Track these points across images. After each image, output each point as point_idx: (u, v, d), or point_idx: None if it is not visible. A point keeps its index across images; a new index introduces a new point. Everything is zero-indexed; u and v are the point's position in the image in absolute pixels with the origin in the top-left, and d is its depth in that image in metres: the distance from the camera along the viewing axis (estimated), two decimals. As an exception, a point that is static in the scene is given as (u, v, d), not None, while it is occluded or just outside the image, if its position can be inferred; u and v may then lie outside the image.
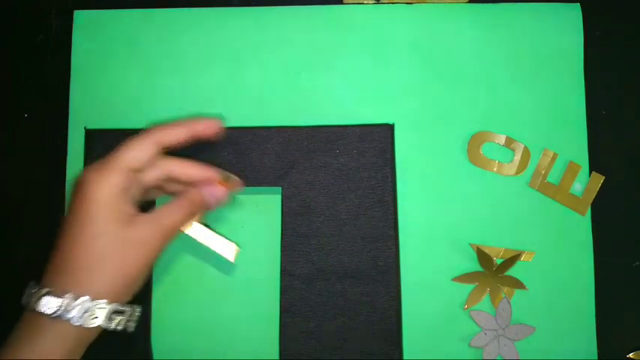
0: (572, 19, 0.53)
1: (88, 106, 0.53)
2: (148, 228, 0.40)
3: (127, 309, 0.40)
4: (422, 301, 0.50)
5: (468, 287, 0.51)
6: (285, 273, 0.50)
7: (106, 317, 0.39)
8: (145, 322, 0.50)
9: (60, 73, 0.54)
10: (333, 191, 0.51)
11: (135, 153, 0.42)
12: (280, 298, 0.49)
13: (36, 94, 0.54)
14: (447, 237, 0.51)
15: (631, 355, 0.50)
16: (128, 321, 0.40)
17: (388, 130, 0.52)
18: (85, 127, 0.52)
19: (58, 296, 0.38)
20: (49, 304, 0.38)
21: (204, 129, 0.45)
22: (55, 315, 0.38)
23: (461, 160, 0.52)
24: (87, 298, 0.38)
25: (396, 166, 0.52)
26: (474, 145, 0.52)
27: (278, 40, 0.54)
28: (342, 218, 0.50)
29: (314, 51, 0.53)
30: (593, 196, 0.52)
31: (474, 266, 0.51)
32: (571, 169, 0.52)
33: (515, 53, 0.53)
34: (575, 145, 0.52)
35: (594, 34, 0.54)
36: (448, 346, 0.50)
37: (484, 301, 0.50)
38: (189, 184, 0.44)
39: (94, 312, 0.38)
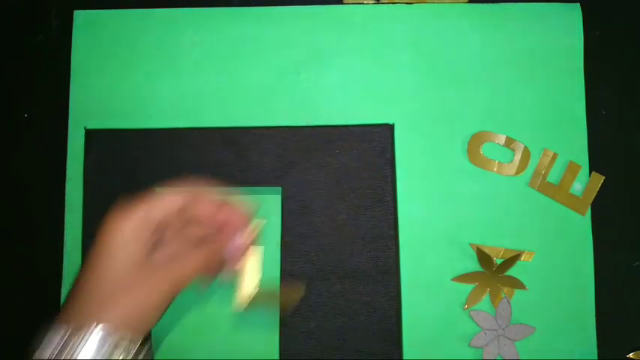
0: (572, 19, 0.54)
1: (88, 106, 0.53)
2: (168, 274, 0.39)
3: (137, 339, 0.38)
4: (422, 301, 0.50)
5: (468, 287, 0.51)
6: (285, 273, 0.50)
7: (116, 348, 0.37)
8: (145, 322, 0.50)
9: (60, 73, 0.54)
10: (333, 191, 0.51)
11: (160, 209, 0.40)
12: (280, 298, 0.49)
13: (36, 94, 0.54)
14: (447, 237, 0.51)
15: (631, 355, 0.50)
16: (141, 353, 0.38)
17: (388, 130, 0.52)
18: (85, 127, 0.52)
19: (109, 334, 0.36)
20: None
21: (234, 218, 0.43)
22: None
23: (461, 160, 0.52)
24: (100, 329, 0.36)
25: (396, 166, 0.52)
26: (474, 145, 0.52)
27: (278, 40, 0.54)
28: (342, 218, 0.50)
29: (314, 51, 0.53)
30: (593, 196, 0.52)
31: (474, 266, 0.51)
32: (571, 169, 0.52)
33: (515, 53, 0.53)
34: (575, 145, 0.52)
35: (594, 34, 0.54)
36: (448, 346, 0.50)
37: (484, 301, 0.50)
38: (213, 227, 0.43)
39: (108, 344, 0.36)
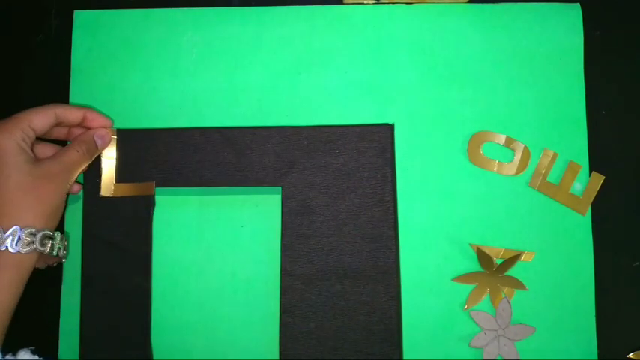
0: (572, 19, 0.54)
1: (88, 106, 0.53)
2: (52, 165, 0.46)
3: (56, 234, 0.46)
4: (422, 301, 0.50)
5: (468, 287, 0.51)
6: (285, 273, 0.50)
7: (40, 241, 0.44)
8: (145, 322, 0.50)
9: (60, 73, 0.54)
10: (333, 191, 0.51)
11: (36, 118, 0.46)
12: (280, 298, 0.49)
13: (36, 94, 0.54)
14: (447, 237, 0.51)
15: (631, 355, 0.50)
16: (59, 248, 0.47)
17: (388, 130, 0.52)
18: (85, 127, 0.52)
19: None
20: None
21: (97, 120, 0.50)
22: None
23: (461, 160, 0.52)
24: (17, 227, 0.43)
25: (396, 166, 0.52)
26: (474, 145, 0.52)
27: (278, 40, 0.54)
28: (342, 218, 0.50)
29: (314, 51, 0.53)
30: (593, 196, 0.52)
31: (474, 266, 0.51)
32: (571, 169, 0.52)
33: (516, 53, 0.53)
34: (575, 145, 0.52)
35: (594, 34, 0.54)
36: (448, 346, 0.50)
37: (484, 301, 0.50)
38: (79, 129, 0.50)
39: (27, 238, 0.44)
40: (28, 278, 0.45)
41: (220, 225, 0.51)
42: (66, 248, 0.48)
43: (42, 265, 0.49)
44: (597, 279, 0.51)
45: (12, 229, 0.43)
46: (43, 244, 0.45)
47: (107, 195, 0.51)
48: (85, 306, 0.50)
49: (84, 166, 0.49)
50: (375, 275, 0.50)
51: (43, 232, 0.45)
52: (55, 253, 0.46)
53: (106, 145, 0.50)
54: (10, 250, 0.43)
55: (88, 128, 0.50)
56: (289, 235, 0.50)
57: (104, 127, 0.50)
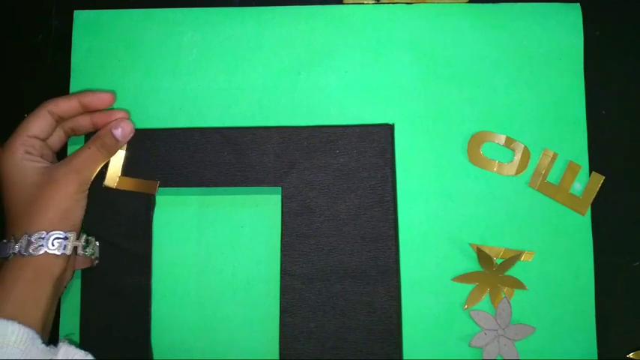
0: (572, 19, 0.53)
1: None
2: (59, 169, 0.47)
3: (70, 234, 0.46)
4: (422, 301, 0.50)
5: (468, 287, 0.51)
6: (285, 273, 0.50)
7: (51, 244, 0.45)
8: (145, 322, 0.50)
9: (60, 73, 0.54)
10: (333, 191, 0.51)
11: (32, 125, 0.47)
12: (280, 298, 0.49)
13: (36, 94, 0.54)
14: (447, 237, 0.51)
15: (631, 355, 0.50)
16: (82, 247, 0.47)
17: (388, 130, 0.52)
18: (85, 127, 0.52)
19: (6, 241, 0.46)
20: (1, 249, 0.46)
21: (93, 100, 0.49)
22: (4, 255, 0.45)
23: (461, 160, 0.52)
24: (25, 234, 0.45)
25: (396, 166, 0.52)
26: (474, 145, 0.52)
27: (278, 40, 0.54)
28: (342, 218, 0.50)
29: (314, 51, 0.53)
30: (593, 196, 0.52)
31: (474, 266, 0.51)
32: (571, 169, 0.52)
33: (516, 53, 0.53)
34: (575, 145, 0.52)
35: (594, 34, 0.54)
36: (448, 346, 0.50)
37: (484, 301, 0.50)
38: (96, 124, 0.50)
39: (37, 242, 0.44)
40: (62, 284, 0.47)
41: (220, 225, 0.51)
42: (92, 247, 0.49)
43: (80, 267, 0.50)
44: (597, 279, 0.51)
45: (22, 237, 0.45)
46: (52, 245, 0.45)
47: (110, 186, 0.50)
48: (85, 306, 0.50)
49: (100, 162, 0.49)
50: (375, 275, 0.50)
51: (54, 234, 0.45)
52: (82, 252, 0.47)
53: (128, 135, 0.50)
54: (23, 254, 0.44)
55: (94, 111, 0.50)
56: (289, 235, 0.50)
57: (122, 117, 0.50)
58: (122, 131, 0.49)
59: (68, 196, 0.46)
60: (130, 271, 0.50)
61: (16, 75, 0.55)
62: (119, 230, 0.50)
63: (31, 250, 0.44)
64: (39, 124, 0.47)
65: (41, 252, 0.44)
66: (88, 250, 0.48)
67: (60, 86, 0.53)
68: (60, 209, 0.46)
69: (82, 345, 0.49)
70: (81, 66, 0.54)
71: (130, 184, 0.50)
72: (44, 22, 0.55)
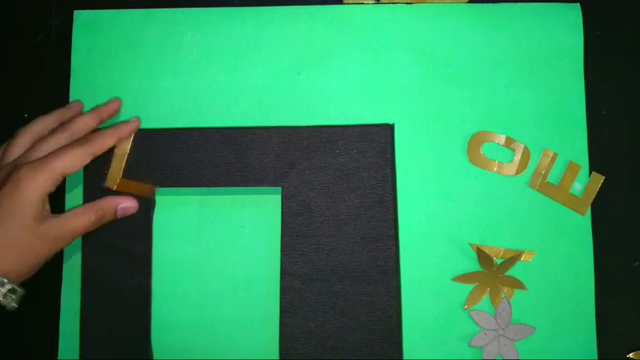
0: (572, 19, 0.53)
1: (88, 106, 0.53)
2: (56, 228, 0.45)
3: (19, 290, 0.43)
4: (422, 301, 0.50)
5: (468, 287, 0.51)
6: (285, 273, 0.50)
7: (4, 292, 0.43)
8: (145, 322, 0.50)
9: (60, 73, 0.54)
10: (333, 191, 0.51)
11: (71, 161, 0.45)
12: (280, 298, 0.49)
13: (36, 94, 0.54)
14: (447, 237, 0.51)
15: (631, 355, 0.50)
16: (11, 299, 0.44)
17: (388, 130, 0.52)
18: (85, 127, 0.52)
19: None
20: None
21: (105, 111, 0.50)
22: None
23: (461, 160, 0.52)
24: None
25: (396, 166, 0.52)
26: (474, 145, 0.52)
27: (278, 40, 0.54)
28: (342, 218, 0.50)
29: (314, 51, 0.53)
30: (593, 196, 0.52)
31: (474, 266, 0.51)
32: (571, 169, 0.52)
33: (515, 53, 0.53)
34: (575, 145, 0.52)
35: (594, 34, 0.54)
36: (448, 346, 0.50)
37: (484, 301, 0.50)
38: None
39: None
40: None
41: (220, 225, 0.51)
42: (16, 301, 0.44)
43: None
44: (597, 279, 0.51)
45: None
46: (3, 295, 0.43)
47: (111, 187, 0.50)
48: (85, 306, 0.50)
49: (89, 230, 0.47)
50: (375, 275, 0.50)
51: (12, 285, 0.43)
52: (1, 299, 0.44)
53: (126, 217, 0.49)
54: None
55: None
56: (289, 235, 0.50)
57: (131, 204, 0.49)
58: (124, 212, 0.49)
59: (50, 253, 0.45)
60: (130, 272, 0.50)
61: (16, 75, 0.55)
62: (119, 230, 0.50)
63: None
64: (75, 165, 0.46)
65: None
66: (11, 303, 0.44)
67: (60, 86, 0.53)
68: (33, 264, 0.44)
69: (82, 345, 0.49)
70: (81, 66, 0.54)
71: (129, 187, 0.50)
72: (44, 22, 0.55)
